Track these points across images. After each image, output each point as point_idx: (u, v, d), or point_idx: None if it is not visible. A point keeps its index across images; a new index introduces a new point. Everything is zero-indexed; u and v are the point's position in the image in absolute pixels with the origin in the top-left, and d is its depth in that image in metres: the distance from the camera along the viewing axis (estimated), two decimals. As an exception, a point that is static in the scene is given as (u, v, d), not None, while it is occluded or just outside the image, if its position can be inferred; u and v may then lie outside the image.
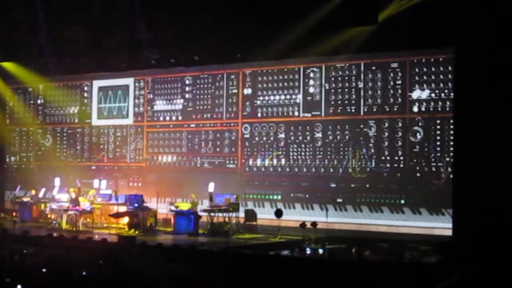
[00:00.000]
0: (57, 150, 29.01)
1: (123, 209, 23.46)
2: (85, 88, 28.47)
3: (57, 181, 26.01)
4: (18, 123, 30.10)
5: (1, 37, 24.16)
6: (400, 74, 21.69)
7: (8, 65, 27.34)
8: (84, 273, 13.56)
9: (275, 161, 23.86)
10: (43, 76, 27.84)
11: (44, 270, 13.68)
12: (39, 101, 29.69)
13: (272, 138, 23.99)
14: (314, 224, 19.61)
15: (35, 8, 22.99)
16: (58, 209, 23.21)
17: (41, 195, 25.97)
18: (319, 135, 23.04)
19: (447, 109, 20.69)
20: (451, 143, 20.23)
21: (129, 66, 26.03)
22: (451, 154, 20.20)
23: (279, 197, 23.67)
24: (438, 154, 20.89)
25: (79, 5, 22.37)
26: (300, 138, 23.42)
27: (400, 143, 21.61)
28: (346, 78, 22.67)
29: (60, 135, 29.04)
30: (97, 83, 28.12)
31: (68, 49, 23.71)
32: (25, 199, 25.90)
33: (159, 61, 24.74)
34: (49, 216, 24.09)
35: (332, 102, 22.83)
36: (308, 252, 18.03)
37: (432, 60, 21.13)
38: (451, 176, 19.81)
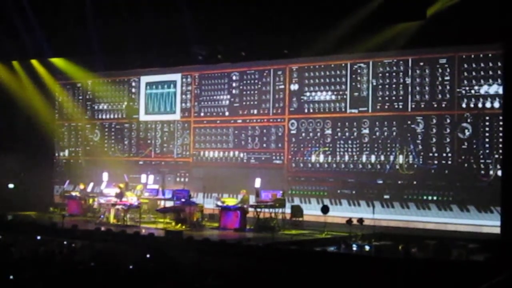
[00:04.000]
0: (105, 145, 29.30)
1: (169, 204, 23.63)
2: (133, 84, 28.71)
3: (105, 176, 26.31)
4: (67, 118, 30.47)
5: (51, 34, 24.43)
6: (448, 70, 21.49)
7: (57, 61, 27.64)
8: (131, 266, 13.68)
9: (321, 157, 23.80)
10: (92, 71, 28.13)
11: (92, 264, 13.83)
12: (87, 97, 30.02)
13: (318, 134, 23.94)
14: (360, 220, 19.57)
15: (84, 5, 23.20)
16: (106, 203, 23.45)
17: (89, 189, 26.30)
18: (366, 131, 22.93)
19: (496, 105, 20.45)
20: (500, 140, 19.99)
21: (177, 62, 26.15)
22: (500, 151, 19.98)
23: (326, 193, 23.61)
24: (487, 151, 20.66)
25: (128, 1, 22.51)
26: (347, 134, 23.34)
27: (448, 140, 21.42)
28: (394, 74, 22.53)
29: (108, 130, 29.32)
30: (144, 79, 28.34)
31: (116, 45, 23.87)
32: (73, 194, 26.21)
33: (206, 57, 24.82)
34: (97, 210, 24.36)
35: (380, 98, 22.71)
36: (354, 248, 18.01)
37: (481, 55, 20.91)
38: (500, 173, 19.60)
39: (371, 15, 18.78)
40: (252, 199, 22.67)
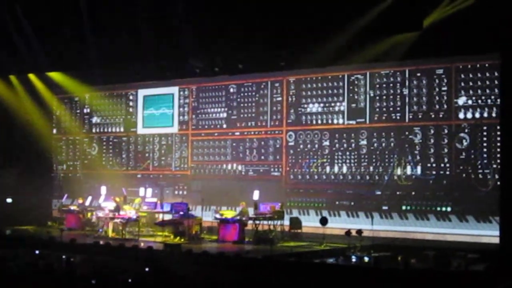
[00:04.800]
0: (103, 158, 29.28)
1: (168, 217, 23.61)
2: (131, 97, 28.72)
3: (103, 190, 26.25)
4: (64, 132, 30.46)
5: (49, 48, 24.43)
6: (445, 80, 21.52)
7: (55, 75, 27.64)
8: (130, 280, 13.65)
9: (319, 168, 23.80)
10: (89, 85, 28.14)
11: (91, 278, 13.80)
12: (85, 110, 30.02)
13: (316, 146, 23.95)
14: (359, 231, 19.54)
15: (81, 19, 23.22)
16: (104, 217, 23.41)
17: (87, 203, 26.24)
18: (364, 142, 22.94)
19: (494, 115, 20.48)
20: (498, 149, 20.00)
21: (174, 75, 26.18)
22: (498, 160, 19.98)
23: (324, 204, 23.60)
24: (485, 161, 20.67)
25: (125, 15, 22.54)
26: (345, 145, 23.34)
27: (446, 150, 21.43)
28: (391, 85, 22.56)
29: (106, 143, 29.31)
30: (142, 92, 28.35)
31: (114, 59, 23.88)
32: (72, 208, 26.15)
33: (204, 70, 24.83)
34: (95, 224, 24.31)
35: (377, 109, 22.73)
36: (353, 260, 17.98)
37: (478, 66, 20.94)
38: (498, 183, 19.60)
39: (367, 26, 18.80)
40: (251, 212, 22.63)
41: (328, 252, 19.69)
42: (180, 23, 21.72)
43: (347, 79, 23.39)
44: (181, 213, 22.71)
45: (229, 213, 22.55)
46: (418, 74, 22.05)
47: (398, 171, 22.16)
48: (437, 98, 21.65)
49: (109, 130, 29.30)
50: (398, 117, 22.31)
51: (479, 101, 20.85)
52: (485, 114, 20.75)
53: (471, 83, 21.02)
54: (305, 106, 24.23)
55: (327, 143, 23.73)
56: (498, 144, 19.95)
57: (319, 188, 23.78)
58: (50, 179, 30.20)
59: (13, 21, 24.40)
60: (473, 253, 18.05)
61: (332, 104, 23.65)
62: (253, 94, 25.50)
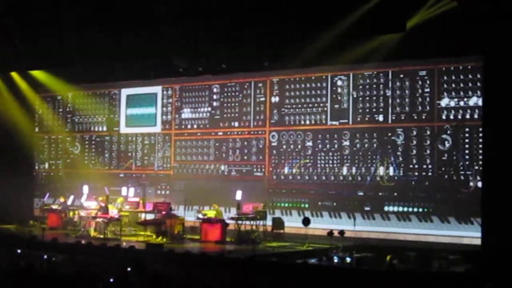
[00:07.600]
0: (85, 157, 29.18)
1: (150, 216, 23.54)
2: (114, 96, 28.63)
3: (85, 189, 26.17)
4: (47, 131, 30.33)
5: (30, 46, 24.30)
6: (428, 82, 21.60)
7: (37, 74, 27.53)
8: (111, 280, 13.60)
9: (302, 169, 23.82)
10: (72, 84, 28.05)
11: (72, 277, 13.74)
12: (68, 109, 29.90)
13: (299, 146, 23.97)
14: (341, 232, 19.57)
15: (64, 17, 23.11)
16: (86, 216, 23.31)
17: (69, 202, 26.13)
18: (347, 143, 22.98)
19: (476, 117, 20.56)
20: (480, 151, 20.09)
21: (157, 74, 26.12)
22: (480, 162, 20.07)
23: (307, 205, 23.62)
24: (467, 163, 20.76)
25: (108, 14, 22.46)
26: (328, 146, 23.38)
27: (428, 151, 21.50)
28: (374, 86, 22.61)
29: (88, 143, 29.21)
30: (125, 91, 28.27)
31: (97, 58, 23.78)
32: (53, 207, 26.03)
33: (187, 69, 24.79)
34: (77, 223, 24.21)
35: (360, 110, 22.77)
36: (335, 260, 17.99)
37: (460, 68, 21.04)
38: (480, 184, 19.69)
39: (351, 27, 18.82)
40: (233, 212, 22.63)
41: (310, 253, 19.68)
42: (164, 23, 21.65)
43: (331, 80, 23.43)
44: (164, 212, 22.66)
45: (211, 213, 22.53)
46: (401, 76, 22.12)
47: (381, 172, 22.21)
48: (420, 99, 21.72)
49: (92, 129, 29.20)
50: (381, 118, 22.37)
51: (462, 102, 20.93)
52: (467, 116, 20.84)
53: (453, 85, 21.11)
54: (289, 106, 24.23)
55: (310, 143, 23.76)
56: (480, 145, 20.03)
57: (302, 188, 23.80)
58: (32, 177, 30.07)
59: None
60: (455, 254, 18.10)
61: (315, 105, 23.68)
62: (236, 94, 25.49)
